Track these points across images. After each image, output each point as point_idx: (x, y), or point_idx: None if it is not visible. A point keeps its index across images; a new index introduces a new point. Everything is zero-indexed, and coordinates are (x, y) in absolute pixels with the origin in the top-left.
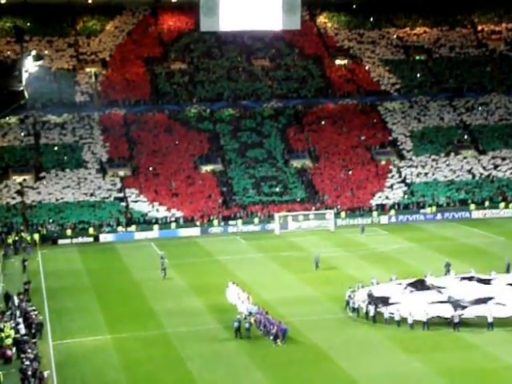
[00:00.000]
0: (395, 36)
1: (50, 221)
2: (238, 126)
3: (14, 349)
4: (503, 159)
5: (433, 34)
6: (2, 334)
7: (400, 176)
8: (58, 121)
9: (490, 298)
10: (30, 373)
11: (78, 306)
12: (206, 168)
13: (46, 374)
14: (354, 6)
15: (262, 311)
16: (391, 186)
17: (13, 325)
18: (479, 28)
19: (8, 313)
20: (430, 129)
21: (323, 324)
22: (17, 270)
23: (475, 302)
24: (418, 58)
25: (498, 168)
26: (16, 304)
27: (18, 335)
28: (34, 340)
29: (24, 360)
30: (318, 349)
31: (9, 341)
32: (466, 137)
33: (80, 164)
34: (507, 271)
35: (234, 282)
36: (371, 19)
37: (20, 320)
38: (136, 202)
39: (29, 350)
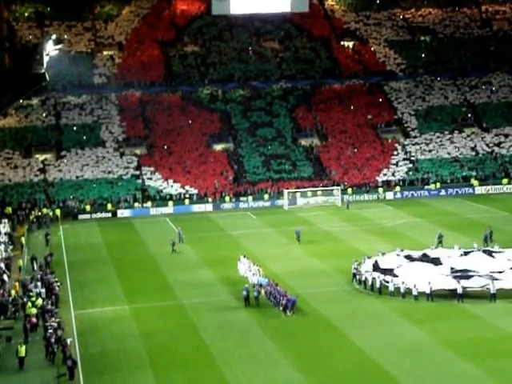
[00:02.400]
0: (401, 17)
1: (71, 197)
2: (249, 106)
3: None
4: (506, 136)
5: (438, 14)
6: (29, 303)
7: (405, 153)
8: (78, 102)
9: (493, 271)
10: (53, 340)
11: (98, 278)
12: (218, 146)
13: (68, 341)
14: None
15: (272, 283)
16: (396, 163)
17: (35, 289)
18: (483, 8)
19: (29, 277)
20: (435, 107)
21: (331, 296)
22: (40, 243)
23: (478, 275)
24: (422, 38)
25: (501, 145)
26: (36, 268)
27: (44, 302)
28: (56, 309)
29: (48, 328)
30: (326, 319)
31: (34, 310)
32: (469, 115)
33: (98, 143)
34: (485, 243)
35: (245, 256)
36: (377, 1)
37: (38, 284)
38: (151, 179)
39: (52, 319)
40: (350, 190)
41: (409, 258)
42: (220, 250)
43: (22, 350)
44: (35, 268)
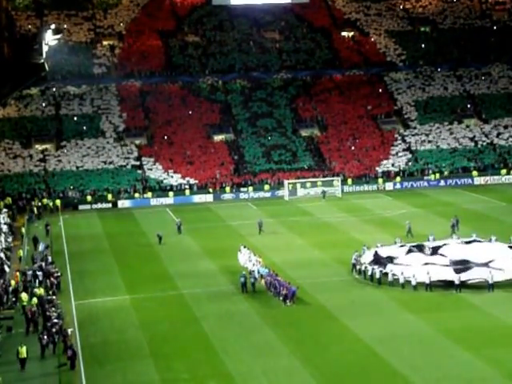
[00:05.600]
0: (401, 8)
1: (71, 187)
2: (249, 97)
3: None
4: (505, 127)
5: (438, 5)
6: (23, 295)
7: (405, 144)
8: (77, 92)
9: (491, 261)
10: (54, 330)
11: (99, 268)
12: (219, 137)
13: (69, 331)
14: None
15: (272, 273)
16: (396, 154)
17: (29, 272)
18: None
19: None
20: (435, 98)
21: (330, 286)
22: (40, 233)
23: (476, 265)
24: (423, 29)
25: (500, 136)
26: (41, 250)
27: (44, 292)
28: (54, 298)
29: (49, 318)
30: (326, 309)
31: (34, 300)
32: (469, 106)
33: (98, 133)
34: (452, 231)
35: (245, 246)
36: None
37: (37, 266)
38: (152, 169)
39: (53, 309)
40: (349, 181)
41: (408, 248)
42: (220, 241)
43: (23, 350)
44: (38, 249)
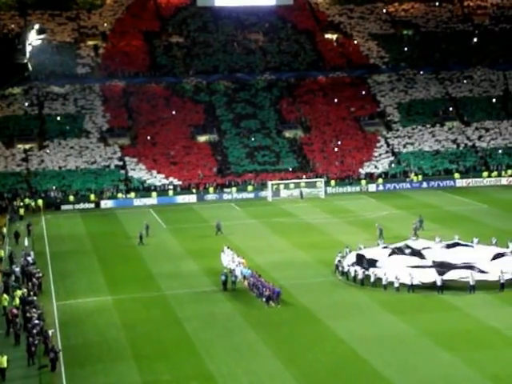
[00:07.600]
0: (384, 11)
1: (54, 187)
2: (233, 98)
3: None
4: (486, 130)
5: (420, 9)
6: (4, 296)
7: (388, 146)
8: (61, 92)
9: (473, 263)
10: (35, 331)
11: (81, 269)
12: (202, 138)
13: (50, 332)
14: None
15: (255, 274)
16: (379, 156)
17: (12, 267)
18: (465, 3)
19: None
20: (417, 101)
21: (313, 287)
22: (22, 234)
23: (458, 267)
24: (405, 32)
25: (482, 138)
26: (26, 244)
27: (25, 293)
28: (35, 299)
29: (30, 319)
30: (308, 310)
31: (16, 301)
32: (451, 108)
33: (82, 133)
34: (415, 232)
35: (228, 247)
36: None
37: (17, 270)
38: (135, 170)
39: (34, 310)
40: (333, 182)
41: (391, 250)
42: (203, 241)
43: (4, 360)
44: (25, 243)
